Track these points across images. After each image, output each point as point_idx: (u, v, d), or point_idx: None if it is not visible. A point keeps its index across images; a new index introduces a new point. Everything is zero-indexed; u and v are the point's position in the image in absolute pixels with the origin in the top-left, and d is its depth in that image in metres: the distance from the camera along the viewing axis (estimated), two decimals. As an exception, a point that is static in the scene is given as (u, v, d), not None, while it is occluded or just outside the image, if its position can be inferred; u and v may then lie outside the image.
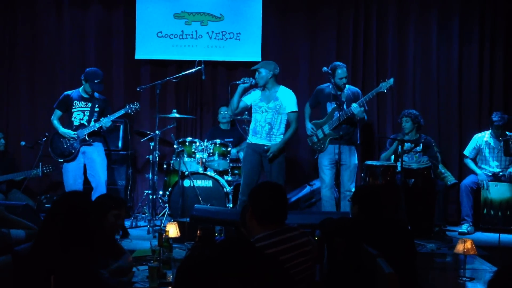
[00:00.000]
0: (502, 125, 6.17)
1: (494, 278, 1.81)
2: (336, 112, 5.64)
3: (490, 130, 6.33)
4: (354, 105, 5.58)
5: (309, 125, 5.91)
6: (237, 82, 5.53)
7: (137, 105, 5.96)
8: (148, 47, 6.91)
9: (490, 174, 6.26)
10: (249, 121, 5.79)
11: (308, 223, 4.43)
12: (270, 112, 5.53)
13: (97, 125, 5.82)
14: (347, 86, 5.86)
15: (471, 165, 6.36)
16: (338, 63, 5.84)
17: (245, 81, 5.49)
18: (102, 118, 5.82)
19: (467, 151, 6.43)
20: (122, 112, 5.91)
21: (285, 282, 1.99)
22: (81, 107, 5.88)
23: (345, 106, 5.69)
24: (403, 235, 3.33)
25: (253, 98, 5.65)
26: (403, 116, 6.25)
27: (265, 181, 2.91)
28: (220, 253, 1.72)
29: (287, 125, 5.58)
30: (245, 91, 5.59)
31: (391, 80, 5.67)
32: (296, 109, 5.59)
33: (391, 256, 2.86)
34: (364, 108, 5.73)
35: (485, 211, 6.16)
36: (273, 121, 5.53)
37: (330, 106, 5.80)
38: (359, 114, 5.59)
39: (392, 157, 6.23)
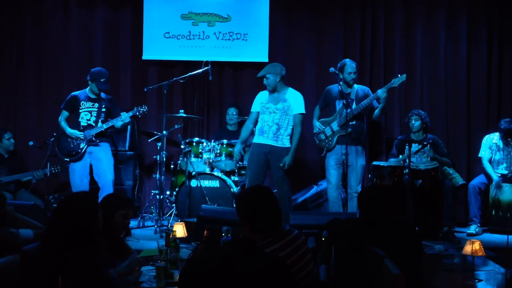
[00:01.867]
0: (509, 133, 6.11)
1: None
2: (345, 110, 5.62)
3: (499, 133, 6.30)
4: (380, 90, 5.59)
5: (316, 123, 5.90)
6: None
7: (145, 108, 5.97)
8: (155, 47, 6.92)
9: (499, 175, 6.22)
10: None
11: (315, 224, 4.44)
12: (278, 113, 5.53)
13: (105, 126, 5.83)
14: (356, 85, 5.85)
15: (489, 169, 6.24)
16: (347, 59, 5.86)
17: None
18: (119, 116, 5.80)
19: (483, 153, 6.35)
20: (130, 114, 5.91)
21: (289, 283, 1.98)
22: (88, 107, 5.90)
23: (354, 104, 5.68)
24: (410, 236, 3.32)
25: (260, 100, 5.65)
26: (413, 114, 6.23)
27: (249, 188, 2.87)
28: (223, 255, 1.72)
29: (293, 127, 5.57)
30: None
31: (404, 75, 5.65)
32: (303, 111, 5.57)
33: (398, 257, 2.85)
34: (373, 104, 5.71)
35: (493, 212, 6.13)
36: (281, 122, 5.53)
37: (339, 105, 5.79)
38: (382, 95, 5.55)
39: (401, 157, 6.20)
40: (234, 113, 6.63)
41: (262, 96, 5.67)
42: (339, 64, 5.81)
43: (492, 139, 6.34)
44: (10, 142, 6.40)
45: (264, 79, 5.53)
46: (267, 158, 5.54)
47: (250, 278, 1.70)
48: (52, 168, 6.17)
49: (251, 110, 5.75)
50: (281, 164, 5.43)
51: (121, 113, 5.83)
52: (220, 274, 1.70)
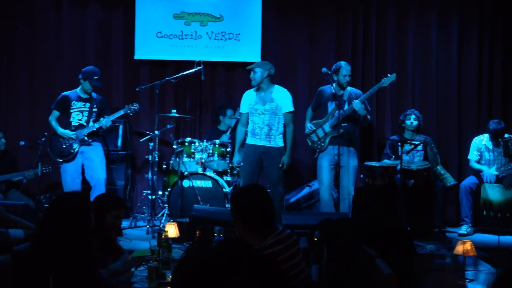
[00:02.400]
0: (497, 133, 6.14)
1: (498, 279, 1.81)
2: (337, 111, 5.63)
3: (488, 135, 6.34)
4: (355, 101, 5.58)
5: (308, 125, 5.90)
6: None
7: (136, 105, 5.97)
8: (148, 47, 6.90)
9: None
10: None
11: (308, 224, 4.44)
12: (267, 114, 5.54)
13: (96, 125, 5.82)
14: (349, 87, 5.85)
15: (477, 166, 6.32)
16: (342, 62, 5.86)
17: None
18: (102, 118, 5.83)
19: (471, 155, 6.39)
20: (121, 112, 5.92)
21: (282, 284, 1.98)
22: (79, 107, 5.88)
23: (346, 106, 5.69)
24: (402, 237, 3.32)
25: (248, 101, 5.64)
26: (413, 113, 6.22)
27: (245, 186, 2.91)
28: (216, 255, 1.72)
29: (285, 125, 5.59)
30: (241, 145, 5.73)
31: (394, 75, 5.67)
32: (292, 109, 5.60)
33: (390, 257, 2.86)
34: (366, 107, 5.71)
35: (484, 212, 6.16)
36: (271, 122, 5.54)
37: (331, 106, 5.80)
38: (360, 111, 5.57)
39: (393, 157, 6.22)
40: (232, 114, 6.61)
41: (248, 97, 5.67)
42: (334, 66, 5.81)
43: (481, 140, 6.38)
44: (1, 142, 6.35)
45: (252, 72, 5.54)
46: (261, 159, 5.55)
47: (242, 278, 1.70)
48: (44, 168, 6.13)
49: (240, 112, 5.76)
50: (280, 165, 5.45)
51: (102, 118, 5.81)
52: (212, 274, 1.69)
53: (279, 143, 5.57)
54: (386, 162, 6.14)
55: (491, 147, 6.31)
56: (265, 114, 5.54)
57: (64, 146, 5.84)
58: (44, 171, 6.15)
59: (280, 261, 2.55)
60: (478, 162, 6.36)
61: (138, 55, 6.92)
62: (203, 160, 6.14)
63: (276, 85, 5.62)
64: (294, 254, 2.68)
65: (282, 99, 5.56)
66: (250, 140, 5.62)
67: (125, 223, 5.96)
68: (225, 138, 6.39)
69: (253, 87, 5.63)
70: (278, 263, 2.57)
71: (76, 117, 5.87)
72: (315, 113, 6.03)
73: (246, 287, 1.67)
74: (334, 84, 5.73)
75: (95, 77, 5.80)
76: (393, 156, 6.20)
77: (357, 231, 3.28)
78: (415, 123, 6.21)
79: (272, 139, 5.54)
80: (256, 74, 5.52)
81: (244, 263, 1.69)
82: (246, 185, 2.91)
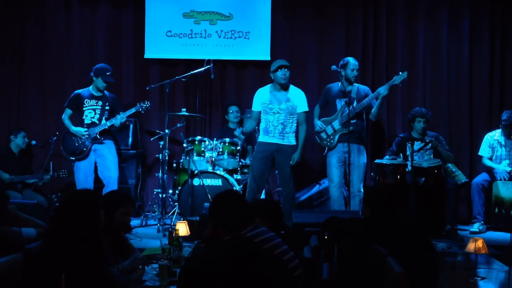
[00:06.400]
0: (510, 124, 6.11)
1: None
2: (346, 108, 5.62)
3: (501, 129, 6.28)
4: (382, 88, 5.61)
5: (318, 122, 5.89)
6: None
7: (147, 103, 6.00)
8: (158, 46, 6.93)
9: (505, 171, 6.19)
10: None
11: (318, 222, 4.43)
12: (282, 114, 5.53)
13: (109, 123, 5.86)
14: (356, 84, 5.84)
15: (489, 163, 6.28)
16: (350, 57, 5.87)
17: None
18: (118, 115, 5.85)
19: (483, 152, 6.35)
20: (133, 110, 5.96)
21: (287, 281, 1.99)
22: (92, 105, 5.92)
23: (355, 103, 5.68)
24: (421, 239, 3.25)
25: (261, 100, 5.63)
26: (418, 116, 6.06)
27: (220, 193, 2.98)
28: (223, 254, 1.72)
29: (297, 124, 5.58)
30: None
31: (405, 73, 5.67)
32: (307, 109, 5.61)
33: (409, 260, 2.82)
34: (372, 105, 5.71)
35: (496, 210, 6.11)
36: (285, 121, 5.54)
37: (340, 103, 5.79)
38: (384, 93, 5.58)
39: (401, 155, 6.18)
40: (236, 111, 6.62)
41: (262, 96, 5.65)
42: (341, 61, 5.82)
43: (493, 136, 6.33)
44: (25, 141, 6.44)
45: (287, 70, 5.49)
46: (273, 157, 5.56)
47: (249, 276, 1.70)
48: (60, 173, 6.21)
49: (253, 110, 5.74)
50: (291, 162, 5.45)
51: (117, 115, 5.86)
52: (219, 272, 1.69)
53: (292, 141, 5.58)
54: (387, 158, 6.08)
55: (503, 142, 6.26)
56: (280, 113, 5.54)
57: (77, 144, 5.88)
58: (61, 175, 6.24)
59: (270, 248, 2.66)
60: (490, 158, 6.31)
61: (148, 54, 6.95)
62: (213, 159, 6.15)
63: (291, 85, 5.61)
64: (280, 243, 2.77)
65: (298, 99, 5.56)
66: (262, 138, 5.62)
67: (136, 222, 6.00)
68: (238, 131, 6.35)
69: (278, 85, 5.60)
70: (283, 262, 2.60)
71: (88, 115, 5.90)
72: (323, 111, 6.02)
73: (254, 286, 1.67)
74: (342, 79, 5.72)
75: (107, 73, 5.85)
76: (401, 154, 6.16)
77: (373, 234, 3.23)
78: (421, 125, 6.11)
79: (285, 137, 5.55)
80: (288, 72, 5.51)
81: (251, 262, 1.69)
82: (221, 192, 2.99)
